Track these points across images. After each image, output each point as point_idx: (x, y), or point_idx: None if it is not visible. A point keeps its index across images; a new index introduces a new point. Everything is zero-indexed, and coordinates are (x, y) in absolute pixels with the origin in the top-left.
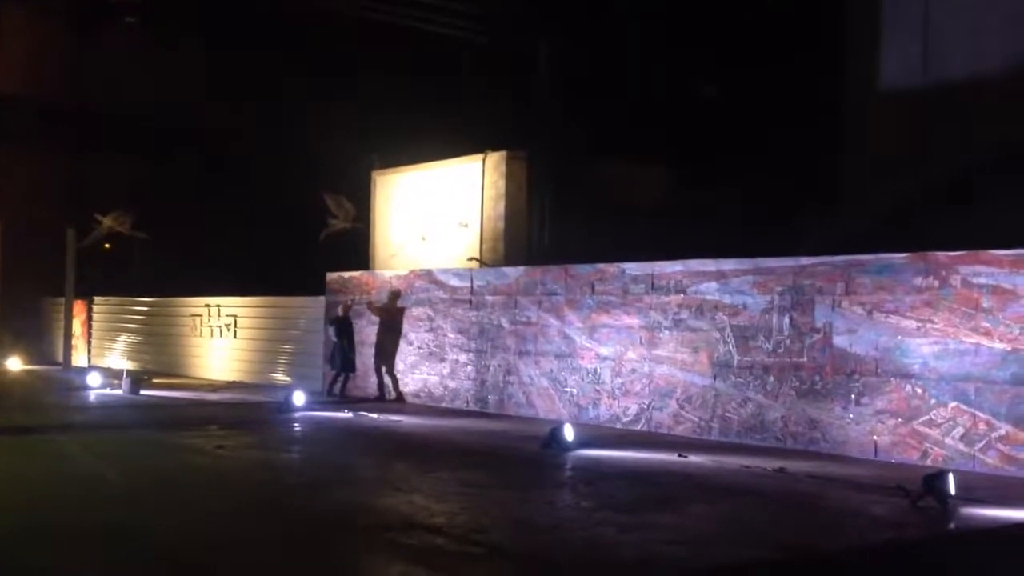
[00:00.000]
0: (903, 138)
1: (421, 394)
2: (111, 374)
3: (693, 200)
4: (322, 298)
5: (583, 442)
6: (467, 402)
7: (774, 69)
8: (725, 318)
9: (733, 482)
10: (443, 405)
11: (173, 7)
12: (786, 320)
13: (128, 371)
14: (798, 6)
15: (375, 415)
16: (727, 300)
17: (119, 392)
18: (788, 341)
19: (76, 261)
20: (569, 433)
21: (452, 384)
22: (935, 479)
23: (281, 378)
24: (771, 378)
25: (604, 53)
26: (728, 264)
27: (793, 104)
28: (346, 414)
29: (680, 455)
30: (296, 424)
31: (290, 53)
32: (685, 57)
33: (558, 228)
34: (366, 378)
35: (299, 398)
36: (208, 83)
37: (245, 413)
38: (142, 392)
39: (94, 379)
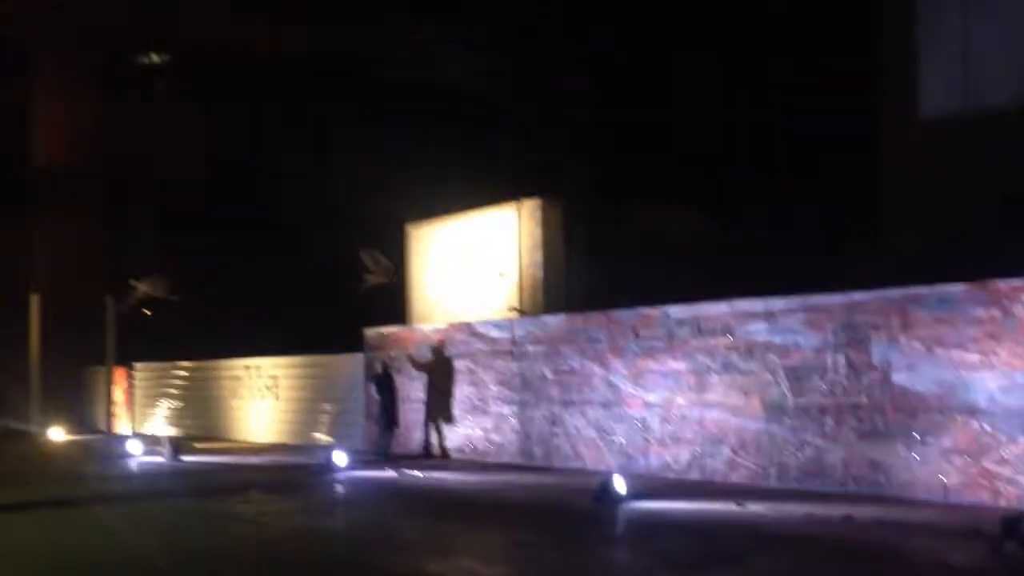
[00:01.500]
0: (946, 169)
1: (465, 449)
2: (153, 441)
3: (733, 241)
4: (361, 355)
5: (635, 493)
6: (512, 456)
7: (811, 105)
8: (776, 359)
9: (797, 532)
10: (488, 460)
11: (198, 69)
12: (841, 358)
13: (169, 437)
14: (833, 42)
15: (420, 473)
16: (777, 340)
17: (160, 459)
18: (845, 380)
19: (115, 328)
20: (620, 485)
21: (496, 438)
22: (1015, 521)
23: (323, 438)
24: (829, 420)
25: (632, 96)
26: (777, 303)
27: (831, 142)
28: (389, 473)
29: (738, 504)
30: (339, 486)
31: (317, 113)
32: (717, 93)
33: (598, 274)
34: (409, 434)
35: (340, 458)
36: (235, 143)
37: (287, 476)
38: (184, 458)
39: (135, 447)
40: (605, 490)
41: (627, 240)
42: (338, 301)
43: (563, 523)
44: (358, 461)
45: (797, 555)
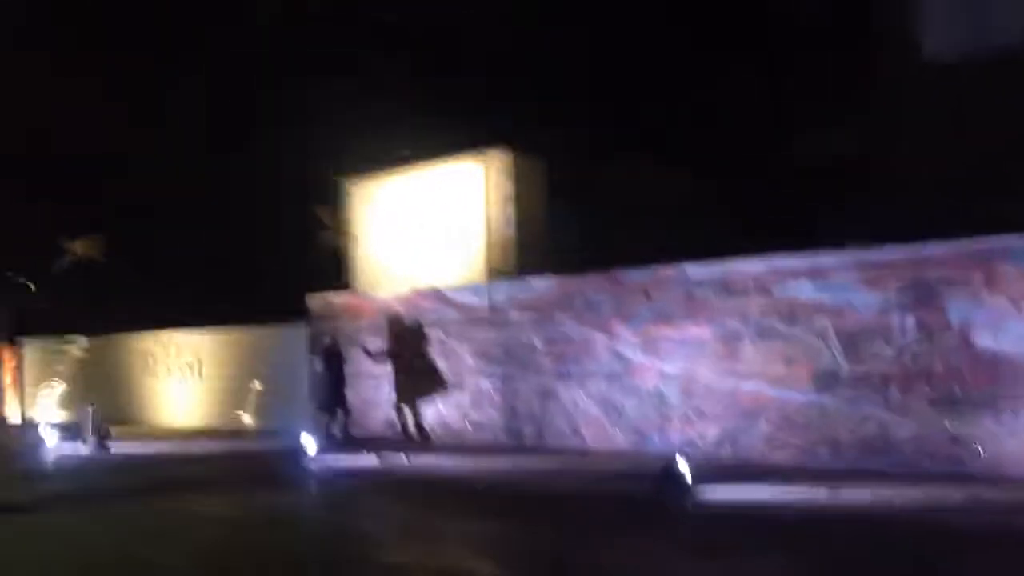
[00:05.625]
0: (949, 114)
1: (437, 429)
2: (63, 429)
3: (729, 198)
4: (303, 327)
5: (701, 478)
6: (496, 435)
7: (802, 51)
8: (827, 322)
9: (942, 523)
10: (467, 440)
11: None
12: (910, 320)
13: (95, 425)
14: None
15: (403, 458)
16: (827, 300)
17: (84, 450)
18: (914, 345)
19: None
20: (685, 468)
21: (476, 416)
22: None
23: (258, 421)
24: (894, 389)
25: (611, 46)
26: (826, 258)
27: (826, 85)
28: (370, 459)
29: (830, 489)
30: (322, 476)
31: (248, 53)
32: (706, 36)
33: (582, 233)
34: (369, 414)
35: (310, 445)
36: (145, 98)
37: (252, 466)
38: (111, 448)
39: (49, 436)
40: (669, 475)
41: (613, 196)
42: (267, 267)
43: (650, 520)
44: (328, 448)
45: (992, 555)
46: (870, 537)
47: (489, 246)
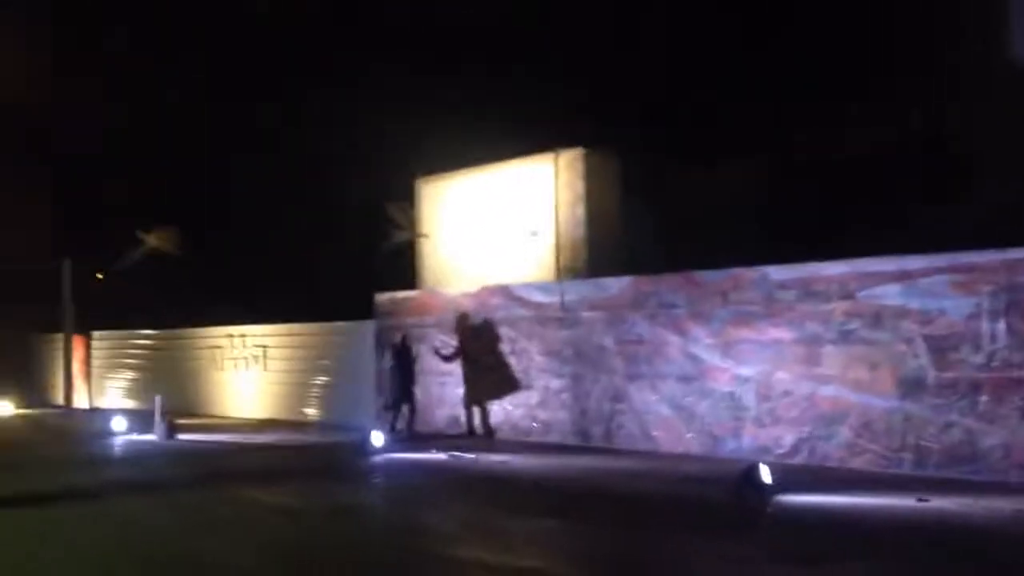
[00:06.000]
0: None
1: (504, 427)
2: (132, 416)
3: (790, 198)
4: (370, 323)
5: (782, 485)
6: (564, 435)
7: (885, 51)
8: (914, 327)
9: None
10: (532, 440)
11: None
12: (1000, 326)
13: (163, 414)
14: None
15: (471, 455)
16: (915, 305)
17: (152, 438)
18: (1006, 351)
19: (72, 293)
20: (767, 474)
21: (544, 415)
22: None
23: (321, 414)
24: (984, 397)
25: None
26: (914, 262)
27: (907, 91)
28: (438, 455)
29: (920, 500)
30: (387, 470)
31: (320, 51)
32: (779, 30)
33: (658, 230)
34: (433, 411)
35: (378, 439)
36: (223, 86)
37: (318, 459)
38: (179, 437)
39: (118, 424)
40: (750, 480)
41: (690, 194)
42: (336, 263)
43: (732, 525)
44: (396, 442)
45: None
46: (958, 547)
47: (559, 245)
